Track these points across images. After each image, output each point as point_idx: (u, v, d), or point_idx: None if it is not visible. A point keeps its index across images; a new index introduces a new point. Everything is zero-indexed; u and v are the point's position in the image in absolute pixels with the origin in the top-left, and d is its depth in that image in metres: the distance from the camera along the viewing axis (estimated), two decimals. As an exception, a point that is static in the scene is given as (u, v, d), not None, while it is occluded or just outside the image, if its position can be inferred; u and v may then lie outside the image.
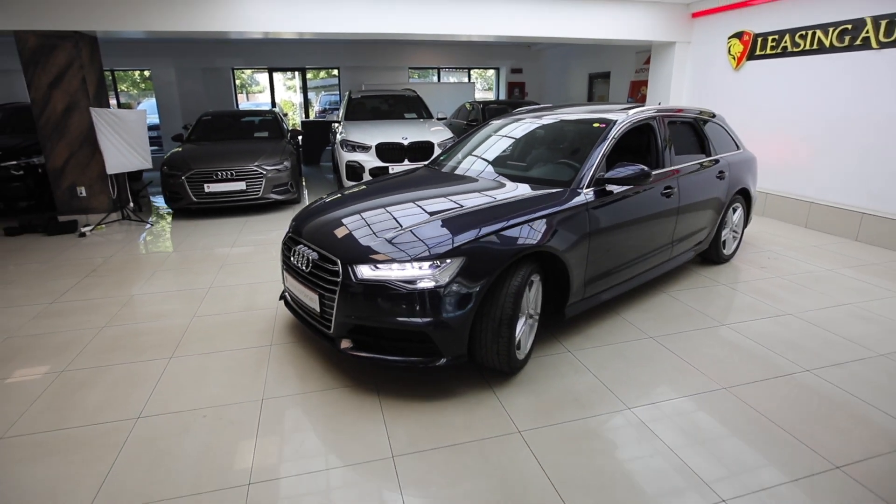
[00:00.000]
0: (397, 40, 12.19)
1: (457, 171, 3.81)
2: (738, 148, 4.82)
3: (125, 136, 6.12)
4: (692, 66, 7.98)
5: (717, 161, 4.35)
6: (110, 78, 12.55)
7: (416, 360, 2.57)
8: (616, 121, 3.53)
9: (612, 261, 3.33)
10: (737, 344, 3.20)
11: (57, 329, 3.49)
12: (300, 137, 11.25)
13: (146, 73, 12.60)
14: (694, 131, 4.35)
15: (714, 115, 4.71)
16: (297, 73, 13.66)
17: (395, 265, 2.53)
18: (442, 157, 4.23)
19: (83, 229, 6.13)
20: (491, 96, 15.71)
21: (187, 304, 3.89)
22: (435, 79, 14.79)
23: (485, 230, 2.65)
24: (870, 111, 5.44)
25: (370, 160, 7.35)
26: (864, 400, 2.60)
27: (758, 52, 6.73)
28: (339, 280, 2.61)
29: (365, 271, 2.56)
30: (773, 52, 6.50)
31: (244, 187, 6.84)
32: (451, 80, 15.06)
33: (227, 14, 6.15)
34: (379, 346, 2.64)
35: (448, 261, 2.51)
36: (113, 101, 12.75)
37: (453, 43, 13.40)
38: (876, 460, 2.16)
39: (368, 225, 2.88)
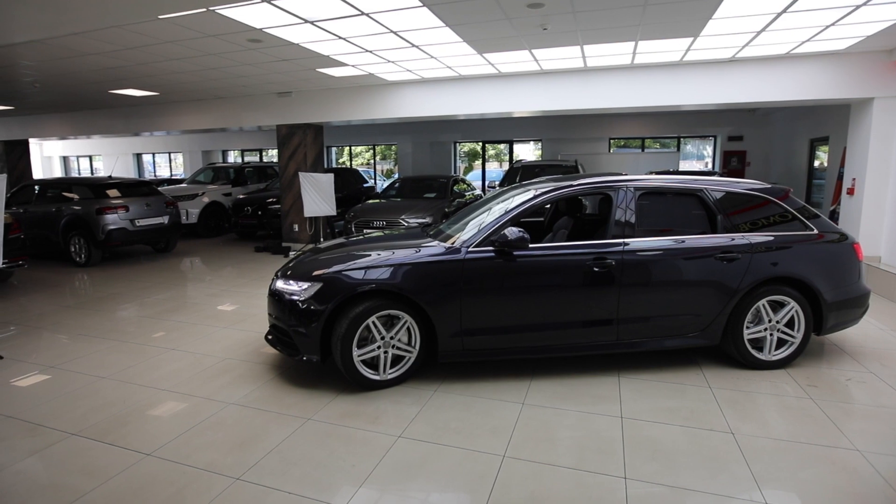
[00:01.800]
0: (599, 113, 12.78)
1: (431, 231, 4.40)
2: (807, 230, 3.88)
3: (318, 191, 8.79)
4: (903, 126, 6.12)
5: (729, 239, 3.71)
6: (371, 151, 17.11)
7: (286, 351, 3.52)
8: (536, 193, 3.71)
9: (501, 320, 3.49)
10: (585, 433, 2.90)
11: (252, 293, 5.76)
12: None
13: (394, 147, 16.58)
14: (701, 204, 3.85)
15: (773, 191, 3.97)
16: (506, 144, 15.57)
17: (288, 281, 3.57)
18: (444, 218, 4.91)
19: (290, 252, 8.99)
20: (704, 166, 14.22)
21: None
22: (639, 149, 14.42)
23: (343, 267, 3.44)
24: None
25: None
26: None
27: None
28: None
29: (278, 283, 3.68)
30: None
31: (389, 234, 8.70)
32: (657, 147, 14.39)
33: (454, 103, 8.11)
34: (278, 339, 3.68)
35: (311, 283, 3.41)
36: (363, 168, 17.23)
37: (659, 112, 13.01)
38: None
39: (316, 258, 3.92)
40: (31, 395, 3.45)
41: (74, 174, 20.85)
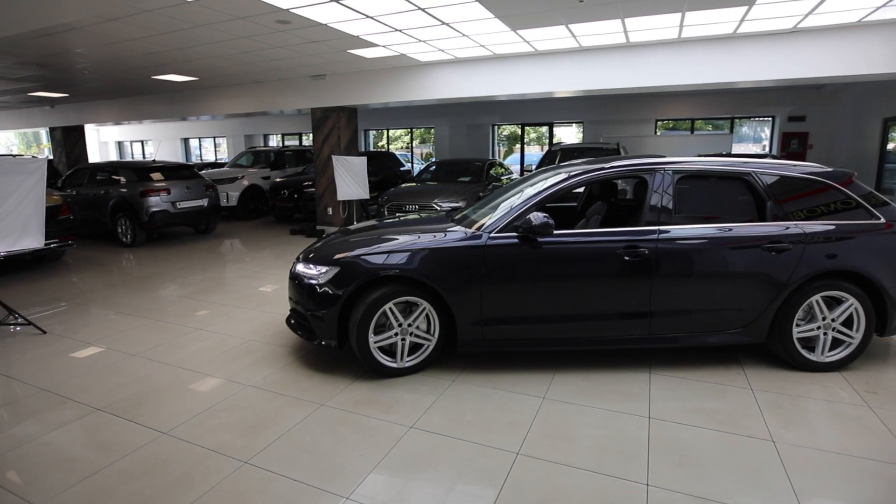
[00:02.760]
0: (644, 93, 12.12)
1: (456, 216, 4.25)
2: (873, 219, 3.47)
3: (351, 174, 8.77)
4: None
5: (781, 228, 3.37)
6: (409, 134, 17.01)
7: (305, 335, 3.50)
8: (565, 177, 3.48)
9: (523, 310, 3.33)
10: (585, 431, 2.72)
11: (284, 276, 5.90)
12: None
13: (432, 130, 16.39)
14: (748, 189, 3.52)
15: (834, 175, 3.57)
16: (546, 127, 15.09)
17: (308, 265, 3.53)
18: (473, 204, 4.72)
19: (324, 235, 9.08)
20: (761, 149, 13.28)
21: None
22: (688, 131, 13.63)
23: (361, 252, 3.35)
24: None
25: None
26: None
27: None
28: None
29: (298, 266, 3.65)
30: None
31: (421, 218, 8.62)
32: (709, 129, 13.55)
33: (491, 84, 7.77)
34: (298, 323, 3.66)
35: (329, 268, 3.35)
36: (406, 152, 17.15)
37: (710, 91, 12.21)
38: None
39: (337, 242, 3.87)
40: (66, 369, 3.60)
41: (128, 158, 21.90)
